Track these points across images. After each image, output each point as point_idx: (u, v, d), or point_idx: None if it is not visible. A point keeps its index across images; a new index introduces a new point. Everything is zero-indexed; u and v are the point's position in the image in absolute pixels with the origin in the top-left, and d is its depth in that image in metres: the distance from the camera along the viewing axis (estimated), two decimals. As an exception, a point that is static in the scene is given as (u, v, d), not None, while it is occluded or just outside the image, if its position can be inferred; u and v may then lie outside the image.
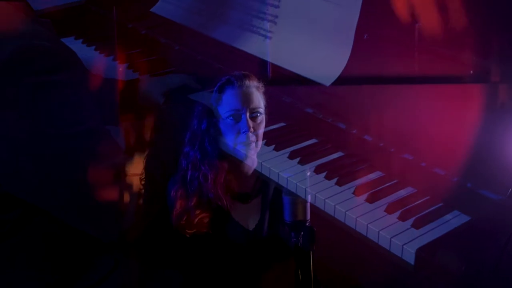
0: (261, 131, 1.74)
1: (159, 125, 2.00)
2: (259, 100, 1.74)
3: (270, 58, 2.08)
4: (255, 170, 1.80)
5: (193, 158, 1.75)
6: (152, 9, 2.63)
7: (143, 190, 1.68)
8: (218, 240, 1.77)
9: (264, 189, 1.82)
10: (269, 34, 2.14)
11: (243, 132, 1.71)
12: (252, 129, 1.71)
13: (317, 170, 1.78)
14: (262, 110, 1.75)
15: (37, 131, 1.43)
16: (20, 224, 1.55)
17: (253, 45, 2.17)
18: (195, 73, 2.24)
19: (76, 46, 2.71)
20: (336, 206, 1.63)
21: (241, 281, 1.79)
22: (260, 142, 1.76)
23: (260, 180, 1.82)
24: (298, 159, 1.84)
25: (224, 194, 1.75)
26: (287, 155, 1.86)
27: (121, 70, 2.48)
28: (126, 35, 2.67)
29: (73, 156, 1.47)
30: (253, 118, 1.73)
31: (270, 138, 1.92)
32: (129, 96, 2.11)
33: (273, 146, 1.90)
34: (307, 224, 1.50)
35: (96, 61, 2.57)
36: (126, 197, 1.59)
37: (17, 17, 1.48)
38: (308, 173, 1.70)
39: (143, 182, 1.70)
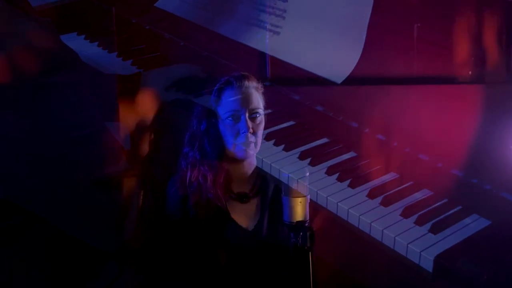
0: (260, 131, 1.73)
1: (160, 125, 1.96)
2: (258, 100, 1.73)
3: (278, 54, 2.04)
4: (254, 170, 1.78)
5: (193, 159, 1.75)
6: (156, 4, 2.59)
7: (143, 192, 1.66)
8: (217, 241, 1.76)
9: (263, 189, 1.80)
10: (277, 29, 2.09)
11: (243, 133, 1.70)
12: (251, 130, 1.69)
13: (329, 171, 1.73)
14: (261, 110, 1.74)
15: (37, 132, 1.41)
16: (21, 231, 1.51)
17: (260, 41, 2.13)
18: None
19: (79, 42, 2.68)
20: (349, 210, 1.58)
21: (240, 282, 1.77)
22: (260, 143, 1.75)
23: (260, 180, 1.81)
24: (308, 159, 1.78)
25: (223, 195, 1.75)
26: (297, 155, 1.81)
27: (124, 67, 2.43)
28: (130, 31, 2.63)
29: (73, 157, 1.44)
30: (252, 118, 1.71)
31: (279, 138, 1.87)
32: (130, 91, 2.06)
33: (282, 146, 1.84)
34: (307, 224, 1.48)
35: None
36: (127, 201, 1.56)
37: (16, 17, 1.44)
38: (308, 173, 1.65)
39: (143, 183, 1.67)
